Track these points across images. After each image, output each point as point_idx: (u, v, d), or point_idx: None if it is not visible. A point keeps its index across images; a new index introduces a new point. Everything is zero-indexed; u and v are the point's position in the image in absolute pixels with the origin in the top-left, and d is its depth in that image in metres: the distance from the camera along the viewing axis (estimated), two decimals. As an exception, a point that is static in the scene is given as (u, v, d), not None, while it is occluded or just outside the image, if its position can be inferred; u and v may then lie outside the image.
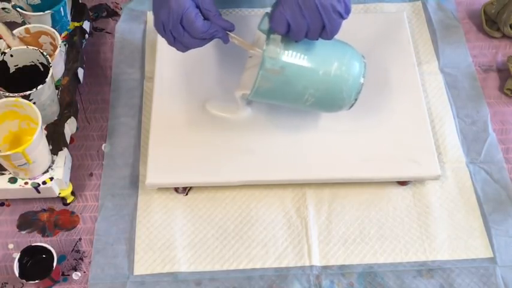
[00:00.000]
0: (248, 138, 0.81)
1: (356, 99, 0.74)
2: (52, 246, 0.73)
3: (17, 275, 0.71)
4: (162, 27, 0.68)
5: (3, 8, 0.89)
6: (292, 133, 0.81)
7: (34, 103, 0.73)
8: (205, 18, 0.67)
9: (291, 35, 0.66)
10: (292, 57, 0.70)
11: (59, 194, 0.78)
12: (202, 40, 0.69)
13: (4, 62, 0.78)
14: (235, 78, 0.86)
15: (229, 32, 0.70)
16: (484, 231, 0.80)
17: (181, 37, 0.68)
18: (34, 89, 0.74)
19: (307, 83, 0.71)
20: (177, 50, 0.71)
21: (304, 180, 0.80)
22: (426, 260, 0.77)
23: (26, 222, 0.79)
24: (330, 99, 0.74)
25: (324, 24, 0.64)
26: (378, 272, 0.76)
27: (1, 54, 0.77)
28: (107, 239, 0.78)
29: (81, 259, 0.77)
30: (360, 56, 0.74)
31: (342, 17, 0.65)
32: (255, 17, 0.98)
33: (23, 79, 0.77)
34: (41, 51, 0.77)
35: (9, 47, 0.78)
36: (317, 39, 0.67)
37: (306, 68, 0.70)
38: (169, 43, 0.70)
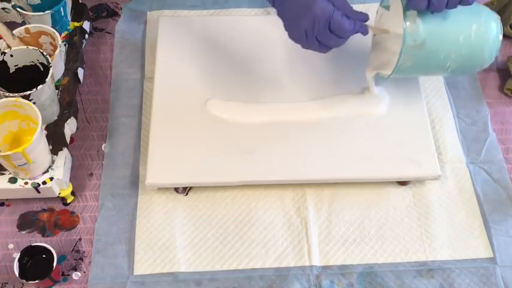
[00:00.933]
0: (248, 138, 0.81)
1: (496, 56, 0.77)
2: (52, 246, 0.73)
3: (17, 275, 0.71)
4: (304, 35, 0.69)
5: (3, 8, 0.89)
6: (292, 133, 0.81)
7: (34, 103, 0.73)
8: (346, 17, 0.68)
9: (431, 8, 0.67)
10: (432, 29, 0.71)
11: (59, 194, 0.78)
12: (347, 38, 0.70)
13: (4, 62, 0.78)
14: (236, 78, 0.87)
15: (366, 24, 0.71)
16: (484, 231, 0.80)
17: (329, 40, 0.69)
18: (34, 89, 0.73)
19: (449, 51, 0.73)
20: (319, 52, 0.72)
21: (304, 180, 0.80)
22: (426, 260, 0.77)
23: (26, 222, 0.79)
24: (472, 62, 0.76)
25: None
26: (378, 272, 0.76)
27: (1, 54, 0.77)
28: (107, 239, 0.78)
29: (81, 259, 0.77)
30: (494, 14, 0.75)
31: None
32: (255, 16, 0.99)
33: (23, 79, 0.77)
34: (41, 51, 0.77)
35: (9, 47, 0.78)
36: (456, 7, 0.68)
37: (446, 37, 0.72)
38: (309, 48, 0.71)
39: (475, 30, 0.73)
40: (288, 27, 0.71)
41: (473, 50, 0.74)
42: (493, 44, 0.74)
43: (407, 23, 0.71)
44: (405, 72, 0.76)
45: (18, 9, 0.85)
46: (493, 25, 0.74)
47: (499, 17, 0.75)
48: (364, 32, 0.71)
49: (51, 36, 0.82)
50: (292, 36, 0.71)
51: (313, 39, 0.69)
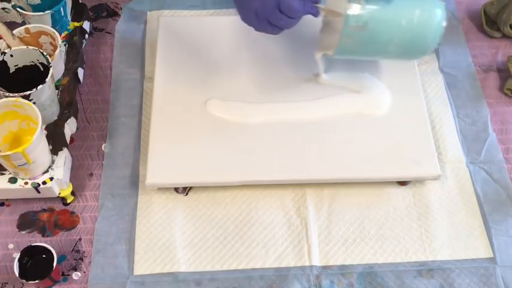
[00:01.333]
0: (248, 138, 0.81)
1: (439, 44, 0.76)
2: (52, 246, 0.73)
3: (17, 275, 0.71)
4: (254, 16, 0.69)
5: (3, 8, 0.89)
6: (292, 133, 0.81)
7: (34, 103, 0.73)
8: None
9: None
10: (375, 11, 0.72)
11: (59, 194, 0.78)
12: (298, 19, 0.70)
13: (4, 62, 0.78)
14: (236, 78, 0.87)
15: (318, 5, 0.71)
16: (484, 231, 0.80)
17: (279, 21, 0.69)
18: (34, 89, 0.73)
19: (391, 35, 0.74)
20: (271, 34, 0.72)
21: (304, 180, 0.80)
22: (426, 260, 0.77)
23: (26, 222, 0.79)
24: (414, 47, 0.76)
25: None
26: (378, 272, 0.76)
27: (1, 54, 0.77)
28: (107, 239, 0.78)
29: (81, 259, 0.77)
30: (440, 1, 0.75)
31: None
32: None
33: (23, 79, 0.77)
34: (41, 51, 0.77)
35: (9, 47, 0.78)
36: None
37: (388, 20, 0.73)
38: (261, 30, 0.71)
39: (418, 15, 0.73)
40: (239, 10, 0.72)
41: (416, 35, 0.74)
42: (436, 30, 0.74)
43: (351, 4, 0.71)
44: (348, 53, 0.76)
45: (18, 9, 0.85)
46: (438, 11, 0.74)
47: (445, 4, 0.75)
48: (315, 14, 0.71)
49: (51, 36, 0.82)
50: (243, 18, 0.71)
51: (264, 20, 0.70)
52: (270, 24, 0.70)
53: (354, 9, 0.71)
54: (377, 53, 0.78)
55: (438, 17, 0.74)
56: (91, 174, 0.84)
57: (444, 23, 0.75)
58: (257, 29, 0.72)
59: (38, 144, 0.72)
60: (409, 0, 0.74)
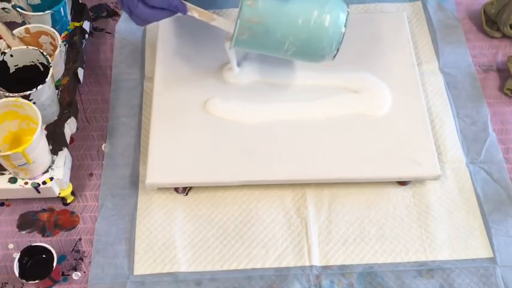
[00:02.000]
0: (248, 138, 0.81)
1: (338, 50, 0.75)
2: (52, 246, 0.73)
3: (17, 275, 0.71)
4: (121, 0, 0.69)
5: (3, 8, 0.89)
6: (292, 133, 0.81)
7: (34, 103, 0.73)
8: None
9: None
10: (271, 6, 0.70)
11: (59, 194, 0.78)
12: (158, 11, 0.69)
13: (4, 62, 0.78)
14: (236, 78, 0.87)
15: (186, 2, 0.71)
16: (484, 231, 0.80)
17: (135, 8, 0.68)
18: (34, 89, 0.74)
19: (286, 32, 0.72)
20: (136, 24, 0.72)
21: (304, 180, 0.80)
22: (426, 260, 0.77)
23: (26, 222, 0.79)
24: (311, 49, 0.75)
25: None
26: (378, 272, 0.76)
27: (1, 54, 0.77)
28: (107, 239, 0.78)
29: (81, 259, 0.77)
30: (344, 6, 0.74)
31: None
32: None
33: (23, 79, 0.77)
34: (41, 51, 0.77)
35: (9, 47, 0.78)
36: None
37: (284, 16, 0.71)
38: (130, 17, 0.71)
39: (315, 17, 0.72)
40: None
41: (312, 36, 0.73)
42: (333, 34, 0.73)
43: None
44: (244, 45, 0.76)
45: (18, 9, 0.85)
46: (337, 15, 0.73)
47: (348, 11, 0.74)
48: (182, 11, 0.71)
49: (51, 36, 0.82)
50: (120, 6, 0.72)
51: (125, 5, 0.70)
52: (131, 12, 0.70)
53: (251, 2, 0.70)
54: (274, 49, 0.76)
55: (338, 22, 0.73)
56: (91, 174, 0.84)
57: (343, 29, 0.74)
58: (131, 19, 0.72)
59: (38, 144, 0.72)
60: (310, 1, 0.72)
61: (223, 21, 0.76)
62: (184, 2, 0.71)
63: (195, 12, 0.73)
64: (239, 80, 0.85)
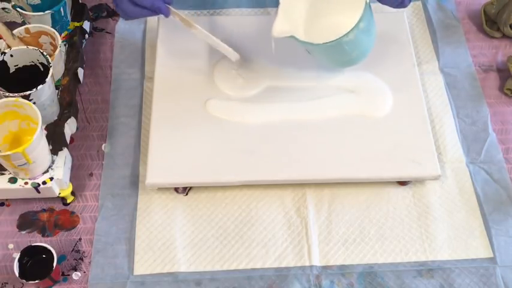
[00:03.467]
0: (248, 138, 0.81)
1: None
2: (52, 246, 0.73)
3: (17, 275, 0.71)
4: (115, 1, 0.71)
5: (3, 8, 0.89)
6: (291, 133, 0.81)
7: (34, 103, 0.73)
8: None
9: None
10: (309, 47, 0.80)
11: (59, 194, 0.78)
12: (142, 9, 0.71)
13: (4, 62, 0.78)
14: (235, 78, 0.87)
15: (169, 6, 0.72)
16: (484, 231, 0.80)
17: (121, 2, 0.70)
18: (34, 89, 0.73)
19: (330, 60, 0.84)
20: (121, 16, 0.74)
21: (304, 180, 0.80)
22: (426, 260, 0.77)
23: (26, 222, 0.79)
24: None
25: None
26: (378, 272, 0.76)
27: (1, 54, 0.77)
28: (107, 239, 0.78)
29: (81, 259, 0.77)
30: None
31: None
32: (255, 16, 0.99)
33: (23, 79, 0.77)
34: (41, 51, 0.77)
35: (9, 47, 0.78)
36: None
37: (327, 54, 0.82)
38: (115, 9, 0.74)
39: (354, 56, 0.81)
40: None
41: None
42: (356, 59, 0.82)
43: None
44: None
45: (18, 9, 0.85)
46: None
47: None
48: (165, 13, 0.73)
49: (51, 36, 0.82)
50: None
51: (115, 3, 0.72)
52: (117, 5, 0.72)
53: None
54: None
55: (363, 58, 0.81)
56: (91, 174, 0.84)
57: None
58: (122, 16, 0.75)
59: (38, 144, 0.72)
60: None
61: (201, 31, 0.79)
62: (167, 5, 0.72)
63: (177, 16, 0.75)
64: (242, 93, 0.86)
